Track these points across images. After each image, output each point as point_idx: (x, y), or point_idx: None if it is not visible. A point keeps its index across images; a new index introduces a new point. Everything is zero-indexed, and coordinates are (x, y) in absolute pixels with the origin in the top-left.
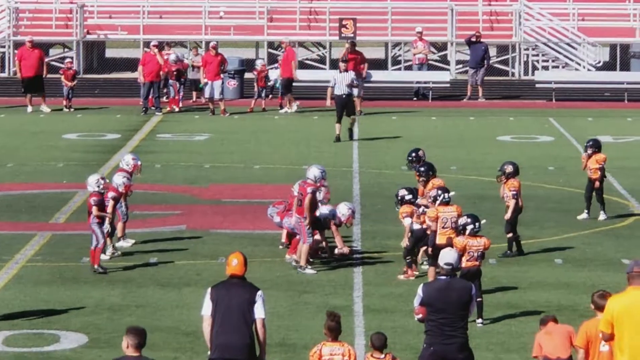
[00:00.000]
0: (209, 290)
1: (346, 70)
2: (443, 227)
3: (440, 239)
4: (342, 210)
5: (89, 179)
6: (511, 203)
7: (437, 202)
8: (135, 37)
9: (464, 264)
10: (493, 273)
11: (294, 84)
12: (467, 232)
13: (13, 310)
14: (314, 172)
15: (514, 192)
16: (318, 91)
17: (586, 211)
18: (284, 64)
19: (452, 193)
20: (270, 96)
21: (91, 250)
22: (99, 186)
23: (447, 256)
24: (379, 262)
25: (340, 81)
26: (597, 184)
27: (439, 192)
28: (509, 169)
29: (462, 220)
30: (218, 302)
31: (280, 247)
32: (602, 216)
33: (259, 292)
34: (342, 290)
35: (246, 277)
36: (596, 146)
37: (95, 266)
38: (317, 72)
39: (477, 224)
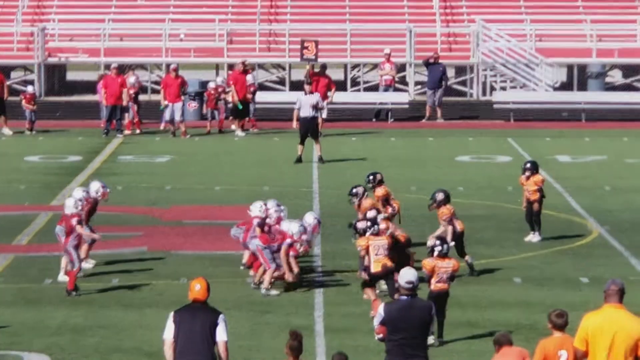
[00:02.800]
0: (172, 314)
1: (311, 92)
2: (376, 254)
3: (375, 267)
4: (308, 219)
5: (67, 201)
6: (448, 229)
7: (368, 232)
8: (96, 59)
9: (432, 286)
10: (453, 292)
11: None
12: (436, 253)
13: None
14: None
15: (447, 218)
16: (278, 113)
17: (532, 232)
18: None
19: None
20: (231, 117)
21: (69, 272)
22: (77, 207)
23: (407, 275)
24: (339, 282)
25: (305, 103)
26: (535, 205)
27: (369, 223)
28: (440, 196)
29: (431, 242)
30: (180, 326)
31: (242, 267)
32: (535, 237)
33: (221, 316)
34: (303, 310)
35: (207, 301)
36: (534, 168)
37: (70, 290)
38: (277, 93)
39: (445, 245)
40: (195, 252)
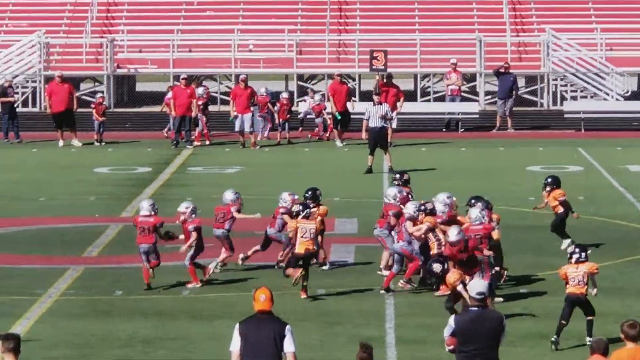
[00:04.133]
0: (237, 325)
1: (380, 103)
2: (302, 237)
3: (299, 248)
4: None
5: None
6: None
7: (300, 216)
8: (165, 70)
9: (568, 289)
10: (525, 303)
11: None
12: (573, 260)
13: (47, 344)
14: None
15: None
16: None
17: (567, 241)
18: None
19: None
20: (300, 128)
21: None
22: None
23: (478, 286)
24: (410, 293)
25: (374, 114)
26: (561, 214)
27: (301, 207)
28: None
29: (570, 249)
30: (247, 338)
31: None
32: (566, 243)
33: (288, 327)
34: (374, 321)
35: (273, 312)
36: (554, 183)
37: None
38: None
39: (583, 253)
40: (265, 262)
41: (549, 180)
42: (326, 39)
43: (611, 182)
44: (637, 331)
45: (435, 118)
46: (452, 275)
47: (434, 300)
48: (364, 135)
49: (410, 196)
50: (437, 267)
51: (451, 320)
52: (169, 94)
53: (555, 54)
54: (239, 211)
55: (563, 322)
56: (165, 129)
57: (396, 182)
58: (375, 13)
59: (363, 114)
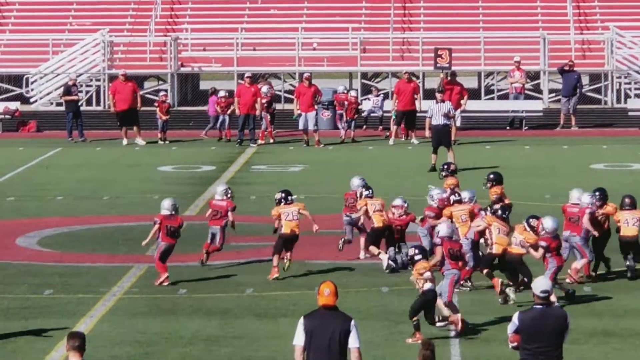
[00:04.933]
0: (302, 320)
1: (442, 101)
2: (286, 219)
3: (285, 229)
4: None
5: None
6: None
7: (282, 202)
8: (229, 69)
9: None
10: (587, 300)
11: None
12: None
13: (111, 342)
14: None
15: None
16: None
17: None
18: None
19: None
20: (365, 127)
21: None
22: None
23: (542, 285)
24: (474, 291)
25: (436, 111)
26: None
27: (283, 194)
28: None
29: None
30: (312, 333)
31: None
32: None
33: (353, 322)
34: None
35: (338, 307)
36: (494, 180)
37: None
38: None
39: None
40: (329, 261)
41: (491, 176)
42: (390, 37)
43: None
44: None
45: (499, 116)
46: (422, 265)
47: (497, 298)
48: (427, 133)
49: (456, 192)
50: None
51: (515, 317)
52: (221, 93)
53: (619, 52)
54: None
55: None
56: (204, 131)
57: (443, 174)
58: (439, 11)
59: (426, 112)
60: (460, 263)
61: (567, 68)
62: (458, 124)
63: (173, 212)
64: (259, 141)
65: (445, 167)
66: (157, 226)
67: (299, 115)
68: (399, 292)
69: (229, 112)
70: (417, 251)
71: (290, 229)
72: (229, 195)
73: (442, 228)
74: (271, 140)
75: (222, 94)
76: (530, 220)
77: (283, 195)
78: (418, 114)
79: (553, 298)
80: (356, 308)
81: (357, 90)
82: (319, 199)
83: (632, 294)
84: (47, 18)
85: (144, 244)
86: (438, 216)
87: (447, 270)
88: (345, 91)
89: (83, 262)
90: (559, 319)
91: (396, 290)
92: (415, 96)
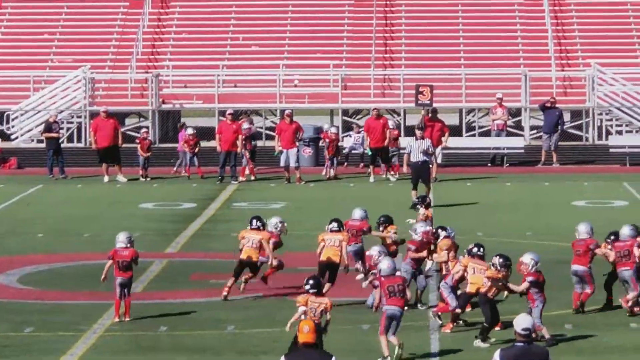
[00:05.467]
0: (282, 358)
1: (422, 138)
2: (246, 245)
3: (242, 255)
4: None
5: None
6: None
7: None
8: (210, 106)
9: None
10: (570, 339)
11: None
12: None
13: None
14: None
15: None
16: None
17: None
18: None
19: None
20: (346, 164)
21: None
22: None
23: (523, 322)
24: (455, 328)
25: (415, 148)
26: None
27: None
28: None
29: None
30: None
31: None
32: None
33: (333, 358)
34: (418, 358)
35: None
36: (385, 222)
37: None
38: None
39: None
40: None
41: (381, 219)
42: (371, 73)
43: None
44: None
45: (481, 153)
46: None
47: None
48: (405, 169)
49: (430, 222)
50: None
51: (496, 355)
52: (189, 131)
53: (600, 89)
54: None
55: None
56: (175, 167)
57: (419, 206)
58: (420, 48)
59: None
60: (402, 300)
61: (548, 105)
62: (439, 160)
63: (128, 245)
64: (240, 178)
65: (420, 199)
66: (110, 262)
67: (280, 152)
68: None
69: (196, 150)
70: (310, 282)
71: (247, 255)
72: (277, 229)
73: (384, 266)
74: (252, 177)
75: (190, 131)
76: (495, 258)
77: (251, 219)
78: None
79: (546, 334)
80: (337, 346)
81: (337, 127)
82: (300, 237)
83: (613, 331)
84: (29, 55)
85: (102, 280)
86: (419, 250)
87: (383, 305)
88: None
89: (64, 299)
90: (541, 357)
91: (377, 327)
92: (387, 131)
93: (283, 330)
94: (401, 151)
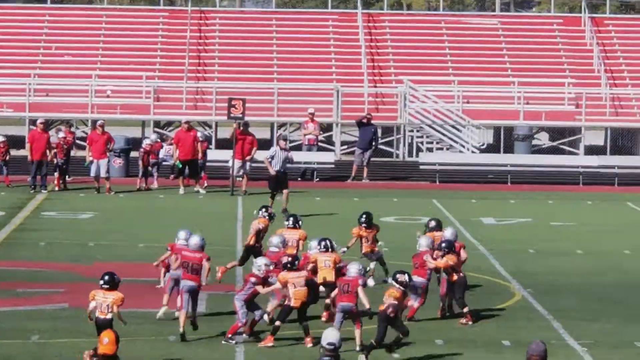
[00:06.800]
0: None
1: (285, 149)
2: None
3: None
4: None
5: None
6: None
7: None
8: (20, 114)
9: None
10: (380, 355)
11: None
12: None
13: None
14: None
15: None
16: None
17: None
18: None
19: None
20: (157, 175)
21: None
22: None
23: (329, 336)
24: (259, 338)
25: (279, 158)
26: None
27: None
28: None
29: None
30: None
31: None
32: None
33: None
34: None
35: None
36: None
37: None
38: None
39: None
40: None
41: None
42: (184, 86)
43: (464, 234)
44: None
45: (292, 167)
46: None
47: (286, 348)
48: (272, 171)
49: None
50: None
51: None
52: None
53: (412, 105)
54: None
55: None
56: None
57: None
58: (233, 61)
59: (227, 161)
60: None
61: (364, 121)
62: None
63: None
64: (50, 187)
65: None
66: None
67: (91, 162)
68: (187, 341)
69: (7, 158)
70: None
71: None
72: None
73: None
74: (56, 188)
75: (148, 142)
76: (398, 275)
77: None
78: (211, 163)
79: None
80: (142, 357)
81: (154, 138)
82: (109, 247)
83: (417, 347)
84: None
85: None
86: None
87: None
88: (158, 140)
89: None
90: None
91: (187, 340)
92: (197, 144)
93: (90, 341)
94: (212, 164)
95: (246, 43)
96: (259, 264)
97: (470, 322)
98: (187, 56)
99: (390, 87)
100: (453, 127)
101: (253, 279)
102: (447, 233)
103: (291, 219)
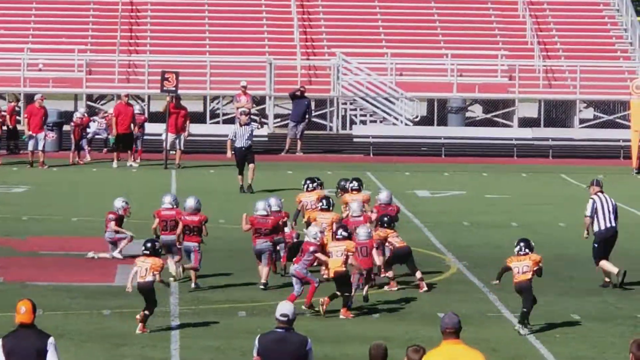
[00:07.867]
0: (0, 341)
1: (247, 124)
2: None
3: None
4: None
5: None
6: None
7: None
8: None
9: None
10: (310, 326)
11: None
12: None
13: None
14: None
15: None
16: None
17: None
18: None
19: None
20: (89, 148)
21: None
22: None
23: (282, 308)
24: (196, 313)
25: (240, 134)
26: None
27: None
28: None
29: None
30: (10, 353)
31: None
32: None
33: (50, 340)
34: (160, 343)
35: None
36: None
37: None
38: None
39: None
40: (51, 283)
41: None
42: (116, 59)
43: (399, 206)
44: (420, 355)
45: (225, 140)
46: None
47: (219, 324)
48: (229, 154)
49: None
50: None
51: (256, 340)
52: None
53: (345, 78)
54: None
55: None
56: None
57: (312, 186)
58: (165, 34)
59: (161, 135)
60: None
61: (298, 94)
62: (182, 147)
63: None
64: None
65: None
66: None
67: (31, 136)
68: (121, 315)
69: None
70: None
71: None
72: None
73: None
74: None
75: (78, 115)
76: (340, 230)
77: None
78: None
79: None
80: (78, 330)
81: (82, 112)
82: (42, 221)
83: (354, 320)
84: None
85: None
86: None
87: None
88: (86, 115)
89: None
90: (298, 344)
91: (118, 313)
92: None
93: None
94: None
95: (178, 16)
96: (314, 232)
97: (394, 289)
98: (119, 29)
99: (323, 60)
100: (386, 99)
101: (312, 248)
102: (382, 196)
103: (324, 200)
